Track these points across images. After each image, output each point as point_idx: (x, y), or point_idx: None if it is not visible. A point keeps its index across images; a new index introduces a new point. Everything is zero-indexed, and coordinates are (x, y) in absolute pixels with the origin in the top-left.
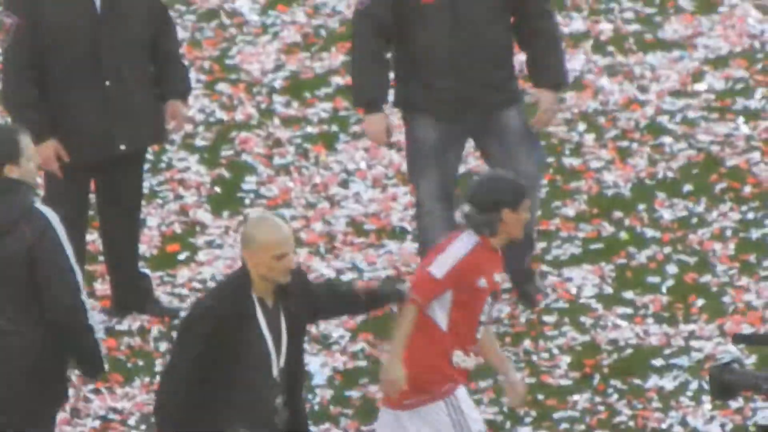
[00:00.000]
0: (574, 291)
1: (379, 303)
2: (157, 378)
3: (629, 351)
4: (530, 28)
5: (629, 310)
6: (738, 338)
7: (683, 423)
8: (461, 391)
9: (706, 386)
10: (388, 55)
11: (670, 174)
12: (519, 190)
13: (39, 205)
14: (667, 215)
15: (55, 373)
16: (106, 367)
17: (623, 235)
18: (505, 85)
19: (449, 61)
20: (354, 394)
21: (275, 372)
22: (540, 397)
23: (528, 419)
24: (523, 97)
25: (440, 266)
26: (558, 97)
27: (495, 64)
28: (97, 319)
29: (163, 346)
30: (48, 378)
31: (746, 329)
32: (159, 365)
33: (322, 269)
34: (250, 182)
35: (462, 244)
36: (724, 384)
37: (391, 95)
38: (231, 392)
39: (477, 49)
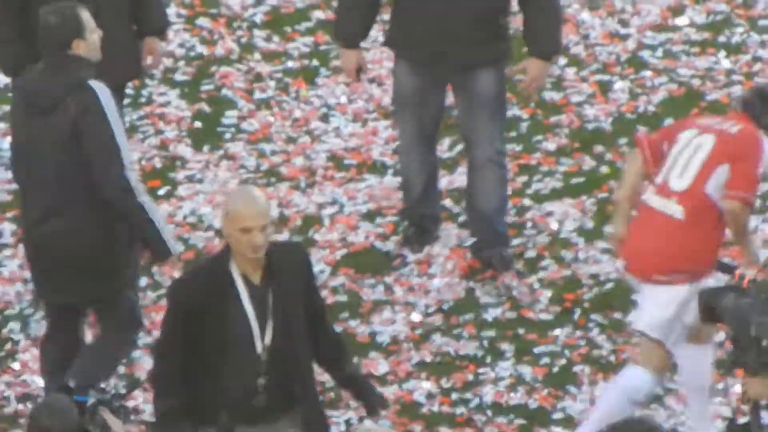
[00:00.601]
0: (554, 225)
1: (353, 389)
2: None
3: (610, 285)
4: None
5: (610, 245)
6: (720, 267)
7: None
8: (709, 281)
9: None
10: None
11: (651, 108)
12: None
13: (92, 81)
14: None
15: (115, 245)
16: (179, 248)
17: (604, 169)
18: (486, 44)
19: (430, 12)
20: (335, 329)
21: (259, 349)
22: (521, 331)
23: (508, 353)
24: (505, 60)
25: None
26: (547, 66)
27: (478, 22)
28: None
29: (144, 281)
30: (111, 251)
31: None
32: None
33: (302, 204)
34: (230, 117)
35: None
36: (707, 306)
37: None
38: (217, 367)
39: (463, 4)
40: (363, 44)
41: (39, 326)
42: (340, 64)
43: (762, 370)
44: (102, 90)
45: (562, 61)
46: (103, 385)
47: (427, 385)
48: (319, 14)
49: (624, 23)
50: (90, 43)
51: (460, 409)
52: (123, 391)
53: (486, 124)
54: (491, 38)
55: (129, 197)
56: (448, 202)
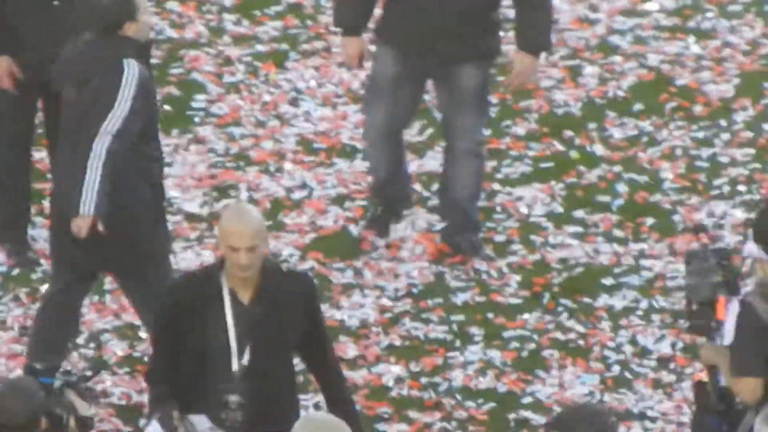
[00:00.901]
0: (524, 210)
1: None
2: (107, 297)
3: (579, 270)
4: None
5: (579, 229)
6: (694, 228)
7: (633, 342)
8: None
9: (656, 305)
10: None
11: (620, 93)
12: None
13: (128, 59)
14: (617, 134)
15: (136, 219)
16: (88, 212)
17: (573, 153)
18: (474, 39)
19: (423, 4)
20: (336, 366)
21: (234, 367)
22: (490, 315)
23: (478, 338)
24: (493, 56)
25: None
26: (535, 63)
27: (470, 17)
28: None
29: None
30: (130, 223)
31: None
32: (108, 284)
33: (271, 187)
34: (199, 100)
35: None
36: (687, 263)
37: None
38: (197, 373)
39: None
40: (333, 28)
41: (7, 309)
42: (341, 52)
43: (693, 333)
44: (132, 69)
45: None
46: (69, 368)
47: (396, 369)
48: None
49: (593, 8)
50: (140, 24)
51: (429, 393)
52: (89, 373)
53: (469, 117)
54: (481, 33)
55: (81, 155)
56: (417, 186)
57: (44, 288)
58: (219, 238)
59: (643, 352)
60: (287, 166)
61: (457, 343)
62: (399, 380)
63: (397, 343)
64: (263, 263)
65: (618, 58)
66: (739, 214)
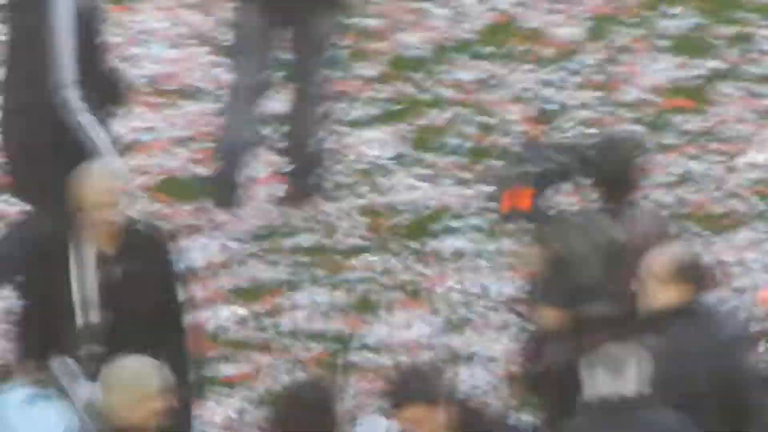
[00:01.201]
0: (372, 152)
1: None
2: None
3: (426, 212)
4: None
5: (427, 171)
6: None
7: (476, 284)
8: None
9: (501, 248)
10: None
11: (469, 36)
12: None
13: None
14: (466, 77)
15: None
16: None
17: (422, 96)
18: None
19: None
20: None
21: (79, 320)
22: (337, 258)
23: (320, 279)
24: (347, 4)
25: None
26: None
27: None
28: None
29: None
30: None
31: None
32: None
33: (119, 129)
34: None
35: None
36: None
37: None
38: (55, 324)
39: None
40: None
41: None
42: None
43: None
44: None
45: None
46: None
47: (238, 310)
48: None
49: None
50: None
51: (266, 334)
52: None
53: (320, 63)
54: None
55: (60, 90)
56: (263, 128)
57: None
58: (79, 193)
59: (486, 294)
60: (135, 108)
61: (300, 284)
62: (242, 321)
63: (242, 284)
64: (123, 219)
65: (468, 1)
66: None
